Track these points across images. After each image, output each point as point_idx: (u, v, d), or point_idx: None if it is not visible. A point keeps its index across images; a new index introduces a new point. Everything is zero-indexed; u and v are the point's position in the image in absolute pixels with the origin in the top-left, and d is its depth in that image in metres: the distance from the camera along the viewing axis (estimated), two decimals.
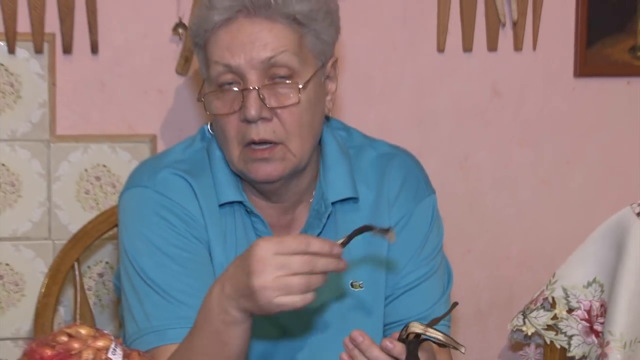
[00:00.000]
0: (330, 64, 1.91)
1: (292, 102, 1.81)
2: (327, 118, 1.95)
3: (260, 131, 1.80)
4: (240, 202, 1.90)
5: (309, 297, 1.62)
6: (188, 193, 1.89)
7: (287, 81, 1.82)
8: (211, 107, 1.85)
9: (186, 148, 1.97)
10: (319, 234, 1.91)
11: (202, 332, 1.71)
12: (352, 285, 1.94)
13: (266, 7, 1.80)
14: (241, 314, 1.66)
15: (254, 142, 1.81)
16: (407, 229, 1.97)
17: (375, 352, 1.64)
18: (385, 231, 1.65)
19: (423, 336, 1.65)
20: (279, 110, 1.81)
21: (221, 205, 1.90)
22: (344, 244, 1.64)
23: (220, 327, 1.68)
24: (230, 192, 1.90)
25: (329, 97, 1.92)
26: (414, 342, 1.65)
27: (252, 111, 1.78)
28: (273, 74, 1.81)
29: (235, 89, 1.82)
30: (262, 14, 1.81)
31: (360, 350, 1.66)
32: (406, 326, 1.66)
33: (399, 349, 1.64)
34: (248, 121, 1.80)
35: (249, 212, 1.91)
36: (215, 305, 1.68)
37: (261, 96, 1.79)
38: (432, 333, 1.64)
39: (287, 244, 1.59)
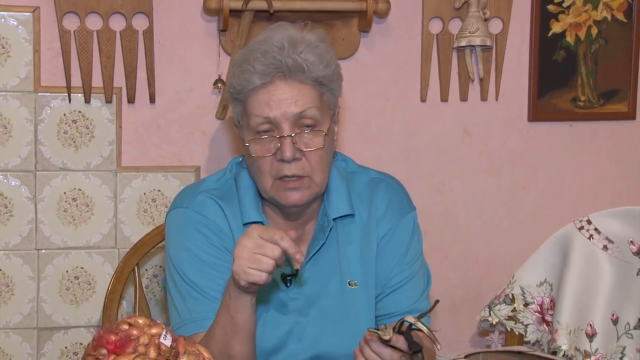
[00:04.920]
0: (337, 112, 1.92)
1: (318, 147, 1.83)
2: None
3: (292, 168, 1.81)
4: (260, 222, 1.88)
5: (269, 278, 1.66)
6: (219, 213, 1.89)
7: (314, 129, 1.82)
8: (252, 152, 1.84)
9: (219, 179, 1.96)
10: (322, 244, 1.89)
11: (219, 309, 1.75)
12: (349, 284, 1.92)
13: (300, 73, 1.81)
14: (237, 288, 1.68)
15: (287, 176, 1.81)
16: (393, 239, 1.95)
17: (381, 347, 1.66)
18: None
19: (413, 326, 1.64)
20: (307, 152, 1.82)
21: (245, 224, 1.89)
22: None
23: (227, 301, 1.71)
24: (252, 213, 1.89)
25: (335, 137, 1.93)
26: (408, 331, 1.64)
27: (288, 153, 1.79)
28: (301, 124, 1.82)
29: (272, 135, 1.81)
30: (295, 78, 1.81)
31: (369, 347, 1.66)
32: (401, 320, 1.65)
33: (401, 342, 1.65)
34: (283, 161, 1.80)
35: None
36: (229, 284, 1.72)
37: (294, 141, 1.80)
38: (420, 326, 1.63)
39: (269, 232, 1.64)
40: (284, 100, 1.80)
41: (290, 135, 1.80)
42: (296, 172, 1.81)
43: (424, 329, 1.63)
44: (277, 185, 1.83)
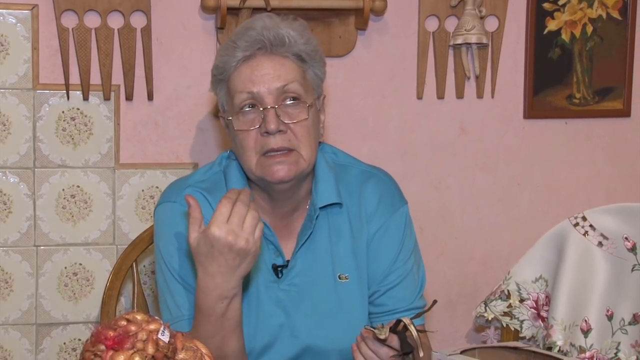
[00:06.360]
0: (321, 98, 1.90)
1: (302, 118, 1.81)
2: (319, 143, 1.92)
3: (278, 141, 1.79)
4: None
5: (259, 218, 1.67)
6: (207, 207, 1.85)
7: (297, 102, 1.81)
8: (236, 126, 1.82)
9: (206, 171, 1.95)
10: (310, 234, 1.88)
11: (208, 323, 1.71)
12: (339, 277, 1.90)
13: (281, 46, 1.81)
14: (239, 284, 1.68)
15: (273, 150, 1.79)
16: (386, 236, 1.93)
17: (377, 345, 1.67)
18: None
19: (409, 327, 1.64)
20: (292, 125, 1.80)
21: None
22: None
23: (225, 309, 1.69)
24: None
25: (321, 125, 1.90)
26: (402, 331, 1.64)
27: (272, 125, 1.77)
28: (284, 98, 1.80)
29: (256, 110, 1.80)
30: (277, 52, 1.81)
31: (365, 344, 1.67)
32: (398, 320, 1.65)
33: (395, 341, 1.65)
34: (268, 133, 1.78)
35: None
36: (217, 298, 1.69)
37: (277, 114, 1.78)
38: (411, 329, 1.65)
39: (224, 211, 1.64)
40: (266, 75, 1.79)
41: (274, 107, 1.78)
42: (282, 144, 1.79)
43: (414, 332, 1.63)
44: (262, 162, 1.80)
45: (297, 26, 1.85)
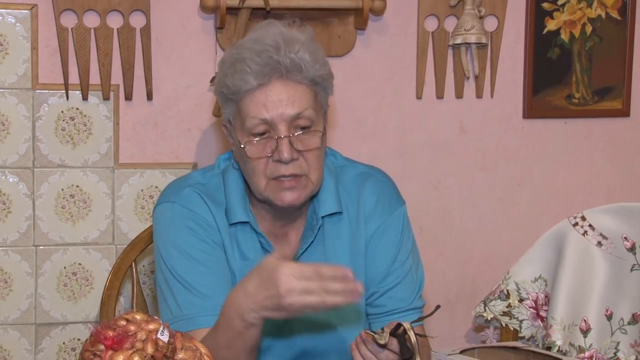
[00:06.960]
0: (327, 111, 1.89)
1: (315, 147, 1.79)
2: None
3: (289, 168, 1.77)
4: (246, 222, 1.86)
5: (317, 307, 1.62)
6: (205, 209, 1.85)
7: (310, 130, 1.79)
8: (249, 153, 1.79)
9: (205, 173, 1.93)
10: (311, 242, 1.87)
11: (226, 333, 1.69)
12: None
13: (297, 72, 1.77)
14: (260, 320, 1.65)
15: (283, 176, 1.78)
16: (384, 237, 1.92)
17: (377, 347, 1.66)
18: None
19: (408, 332, 1.64)
20: (304, 152, 1.78)
21: (231, 224, 1.86)
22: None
23: (242, 329, 1.66)
24: (240, 213, 1.85)
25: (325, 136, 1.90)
26: (402, 335, 1.63)
27: (286, 154, 1.75)
28: (297, 125, 1.77)
29: (268, 137, 1.77)
30: (292, 78, 1.77)
31: (365, 346, 1.66)
32: (398, 324, 1.64)
33: (395, 345, 1.64)
34: (280, 161, 1.76)
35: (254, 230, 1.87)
36: (237, 314, 1.65)
37: (291, 142, 1.76)
38: (411, 334, 1.64)
39: (307, 272, 1.58)
40: (280, 102, 1.76)
41: (288, 136, 1.76)
42: (294, 171, 1.77)
43: (412, 338, 1.63)
44: (272, 186, 1.79)
45: (308, 40, 1.80)
